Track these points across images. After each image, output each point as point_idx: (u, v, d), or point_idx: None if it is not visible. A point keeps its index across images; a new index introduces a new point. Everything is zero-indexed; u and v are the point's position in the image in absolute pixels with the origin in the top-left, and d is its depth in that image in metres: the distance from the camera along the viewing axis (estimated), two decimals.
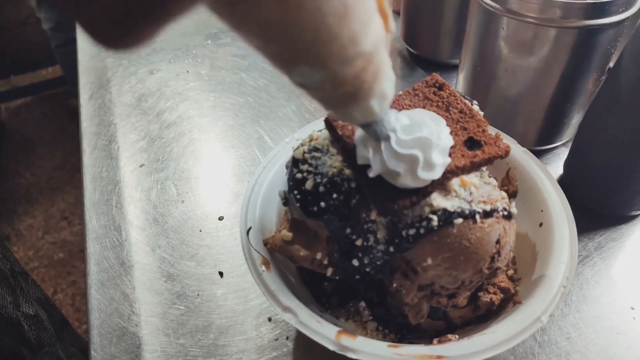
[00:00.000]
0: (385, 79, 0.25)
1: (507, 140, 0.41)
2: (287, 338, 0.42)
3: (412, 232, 0.31)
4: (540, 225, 0.39)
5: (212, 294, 0.46)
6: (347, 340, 0.31)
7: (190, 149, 0.64)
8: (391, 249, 0.32)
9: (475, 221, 0.31)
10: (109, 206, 0.56)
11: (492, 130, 0.34)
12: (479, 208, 0.31)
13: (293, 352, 0.42)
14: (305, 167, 0.36)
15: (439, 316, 0.37)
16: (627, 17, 0.46)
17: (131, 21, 0.15)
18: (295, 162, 0.36)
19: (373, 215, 0.33)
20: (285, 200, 0.38)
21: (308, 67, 0.21)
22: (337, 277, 0.36)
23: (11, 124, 2.13)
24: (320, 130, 0.38)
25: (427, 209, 0.31)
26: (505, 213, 0.32)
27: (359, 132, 0.32)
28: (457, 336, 0.34)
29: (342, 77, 0.22)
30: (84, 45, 0.87)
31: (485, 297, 0.37)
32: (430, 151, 0.29)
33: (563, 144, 0.59)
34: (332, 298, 0.40)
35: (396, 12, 0.81)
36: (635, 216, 0.51)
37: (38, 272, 1.53)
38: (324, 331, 0.32)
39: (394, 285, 0.34)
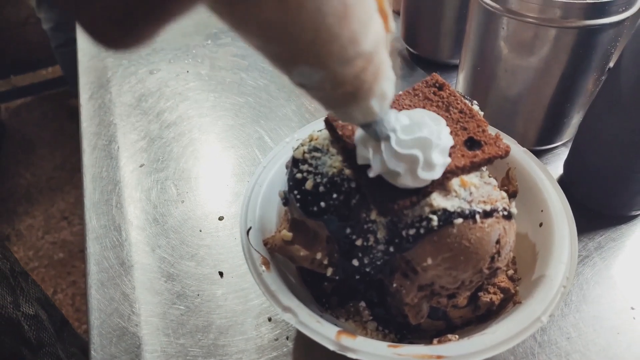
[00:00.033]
0: (385, 79, 0.25)
1: (507, 140, 0.41)
2: (287, 338, 0.42)
3: (412, 232, 0.31)
4: (540, 225, 0.39)
5: (212, 294, 0.46)
6: (347, 340, 0.31)
7: (190, 149, 0.64)
8: (391, 249, 0.32)
9: (475, 221, 0.31)
10: (109, 206, 0.56)
11: (492, 130, 0.34)
12: (479, 208, 0.31)
13: (293, 352, 0.42)
14: (305, 167, 0.36)
15: (439, 316, 0.37)
16: (627, 17, 0.46)
17: (131, 21, 0.15)
18: (295, 162, 0.36)
19: (373, 215, 0.33)
20: (285, 200, 0.38)
21: (308, 67, 0.21)
22: (337, 277, 0.36)
23: (11, 124, 2.13)
24: (320, 130, 0.38)
25: (427, 209, 0.31)
26: (505, 213, 0.32)
27: (359, 132, 0.32)
28: (457, 336, 0.34)
29: (342, 77, 0.22)
30: (84, 45, 0.87)
31: (485, 297, 0.37)
32: (430, 151, 0.29)
33: (563, 144, 0.59)
34: (332, 298, 0.40)
35: (396, 12, 0.81)
36: (635, 216, 0.51)
37: (38, 272, 1.53)
38: (324, 331, 0.32)
39: (394, 285, 0.34)
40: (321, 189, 0.34)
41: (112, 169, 0.61)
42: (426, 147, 0.29)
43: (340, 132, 0.34)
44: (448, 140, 0.31)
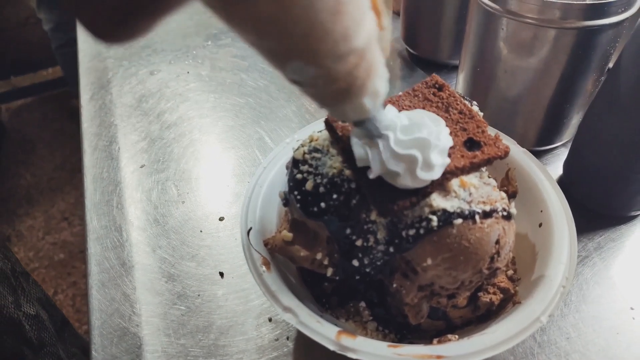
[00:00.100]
0: (378, 76, 0.25)
1: (506, 140, 0.41)
2: (288, 338, 0.43)
3: (412, 232, 0.31)
4: (540, 225, 0.39)
5: (213, 295, 0.46)
6: (347, 340, 0.32)
7: (191, 149, 0.64)
8: (391, 250, 0.32)
9: (474, 221, 0.31)
10: (110, 207, 0.56)
11: (491, 131, 0.34)
12: (478, 208, 0.32)
13: (293, 352, 0.42)
14: (305, 167, 0.36)
15: (439, 316, 0.38)
16: (627, 18, 0.46)
17: (127, 15, 0.16)
18: (295, 163, 0.36)
19: (373, 216, 0.33)
20: (286, 201, 0.38)
21: (301, 62, 0.22)
22: (337, 278, 0.36)
23: (11, 124, 2.13)
24: (320, 131, 0.38)
25: (426, 210, 0.31)
26: (505, 213, 0.33)
27: (353, 135, 0.32)
28: (457, 336, 0.34)
29: (335, 73, 0.23)
30: (85, 46, 0.87)
31: (485, 297, 0.37)
32: (429, 151, 0.29)
33: (563, 145, 0.59)
34: (332, 298, 0.40)
35: (396, 13, 0.81)
36: (635, 216, 0.51)
37: (38, 272, 1.53)
38: (324, 331, 0.32)
39: (394, 285, 0.34)
40: (321, 189, 0.34)
41: (112, 169, 0.62)
42: (425, 148, 0.29)
43: (340, 133, 0.34)
44: (447, 141, 0.31)
